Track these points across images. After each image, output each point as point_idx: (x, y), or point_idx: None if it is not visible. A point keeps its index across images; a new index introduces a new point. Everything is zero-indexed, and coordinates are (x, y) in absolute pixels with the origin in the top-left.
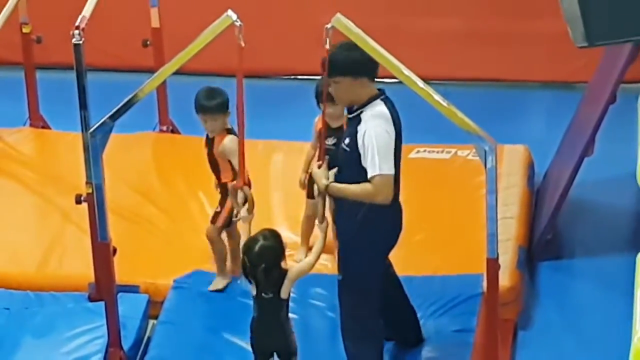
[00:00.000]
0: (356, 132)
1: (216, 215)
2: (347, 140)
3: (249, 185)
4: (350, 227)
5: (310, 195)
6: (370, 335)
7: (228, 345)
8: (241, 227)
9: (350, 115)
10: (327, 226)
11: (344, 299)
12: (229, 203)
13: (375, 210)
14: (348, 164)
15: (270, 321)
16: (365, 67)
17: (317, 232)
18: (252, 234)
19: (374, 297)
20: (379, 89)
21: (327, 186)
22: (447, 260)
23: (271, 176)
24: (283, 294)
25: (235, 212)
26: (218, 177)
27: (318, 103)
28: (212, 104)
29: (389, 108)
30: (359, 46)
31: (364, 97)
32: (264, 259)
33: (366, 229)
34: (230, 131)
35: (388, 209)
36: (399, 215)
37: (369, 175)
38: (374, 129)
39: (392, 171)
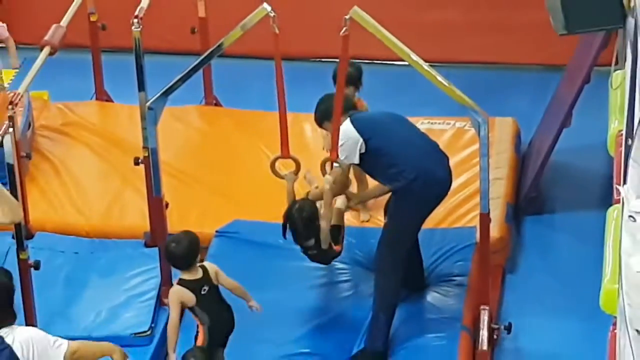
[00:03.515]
0: None
1: None
2: None
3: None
4: (394, 189)
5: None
6: (396, 269)
7: (269, 286)
8: (287, 187)
9: None
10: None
11: (384, 236)
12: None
13: (400, 180)
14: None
15: None
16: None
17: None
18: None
19: (409, 240)
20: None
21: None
22: (446, 214)
23: (298, 142)
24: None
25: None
26: None
27: (335, 83)
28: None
29: (352, 120)
30: (328, 97)
31: None
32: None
33: (401, 192)
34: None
35: (412, 177)
36: (431, 181)
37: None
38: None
39: (348, 161)
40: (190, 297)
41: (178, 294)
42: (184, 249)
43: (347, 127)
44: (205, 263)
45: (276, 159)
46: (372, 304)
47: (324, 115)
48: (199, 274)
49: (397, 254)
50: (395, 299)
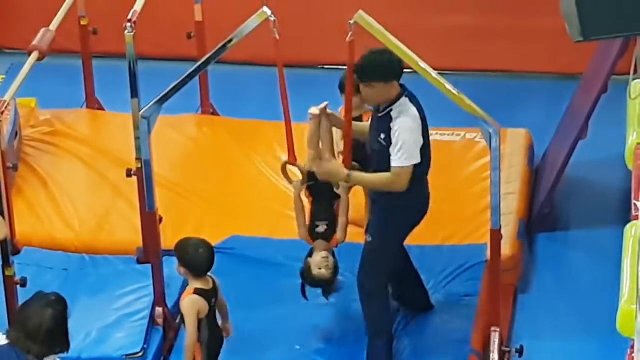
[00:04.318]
0: (390, 129)
1: None
2: (382, 136)
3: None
4: (384, 204)
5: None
6: (381, 289)
7: (268, 304)
8: (294, 194)
9: (380, 114)
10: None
11: (366, 256)
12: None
13: (401, 196)
14: (383, 157)
15: None
16: (395, 70)
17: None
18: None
19: (390, 260)
20: (400, 85)
21: (348, 175)
22: (455, 231)
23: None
24: None
25: None
26: None
27: (341, 93)
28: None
29: (414, 103)
30: (387, 50)
31: (391, 97)
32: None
33: (396, 208)
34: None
35: (413, 195)
36: (425, 199)
37: (392, 165)
38: (404, 127)
39: (411, 163)
40: (205, 308)
41: (196, 303)
42: (208, 254)
43: (412, 112)
44: (211, 274)
45: (287, 162)
46: (366, 331)
47: (380, 70)
48: (210, 284)
49: (383, 273)
50: (387, 322)
